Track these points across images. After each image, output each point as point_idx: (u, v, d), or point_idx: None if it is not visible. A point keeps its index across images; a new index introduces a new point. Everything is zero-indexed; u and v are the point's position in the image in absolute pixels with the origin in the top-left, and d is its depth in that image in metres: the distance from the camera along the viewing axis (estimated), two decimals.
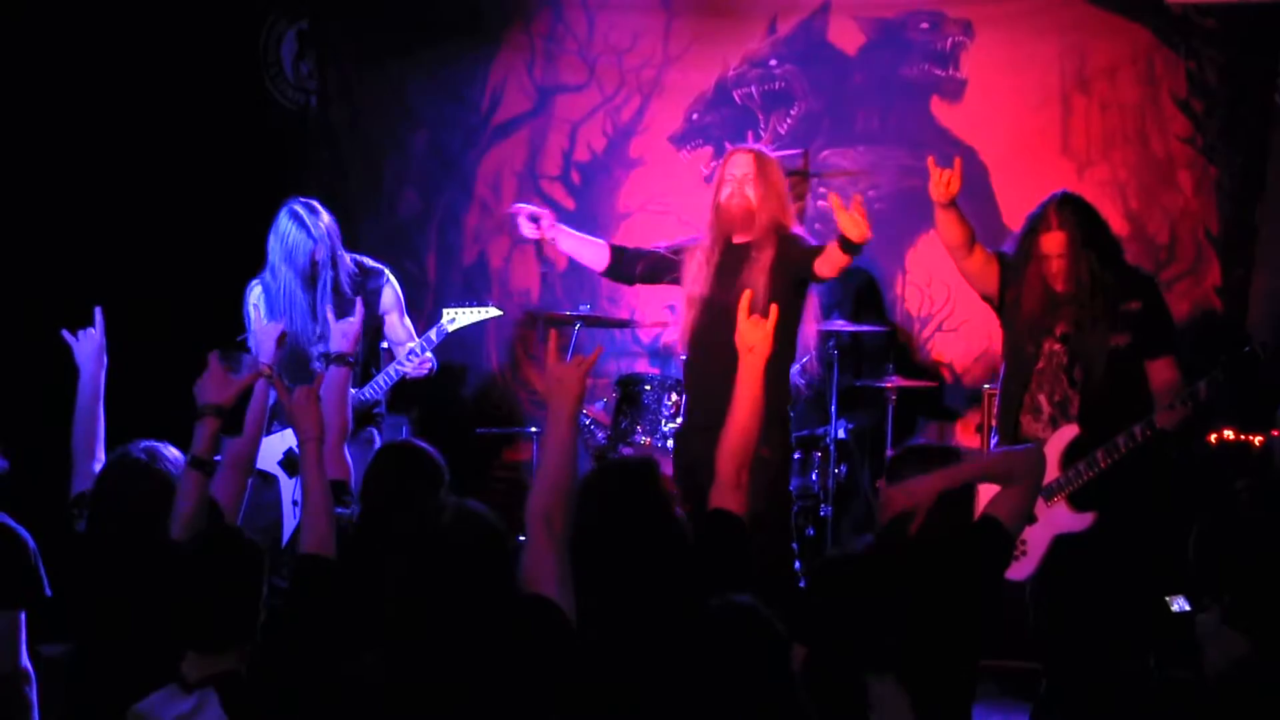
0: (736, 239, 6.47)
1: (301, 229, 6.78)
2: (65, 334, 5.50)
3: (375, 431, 6.91)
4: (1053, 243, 6.10)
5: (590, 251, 6.85)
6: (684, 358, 6.69)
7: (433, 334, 6.96)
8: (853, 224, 6.05)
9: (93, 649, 4.69)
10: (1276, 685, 4.13)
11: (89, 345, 5.49)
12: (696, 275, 6.48)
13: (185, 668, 3.99)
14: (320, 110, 9.12)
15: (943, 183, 6.05)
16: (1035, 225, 6.16)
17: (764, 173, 6.46)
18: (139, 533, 4.72)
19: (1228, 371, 5.86)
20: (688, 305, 6.50)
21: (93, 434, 5.36)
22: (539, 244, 6.77)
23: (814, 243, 6.46)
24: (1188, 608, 5.36)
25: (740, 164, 6.49)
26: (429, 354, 6.96)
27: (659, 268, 6.72)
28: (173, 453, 4.93)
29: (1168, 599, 5.49)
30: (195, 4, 8.59)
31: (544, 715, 3.72)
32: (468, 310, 7.12)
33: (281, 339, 5.78)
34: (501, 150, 9.05)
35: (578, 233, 6.92)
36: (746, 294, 5.07)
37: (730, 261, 6.43)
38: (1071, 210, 6.15)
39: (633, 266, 6.78)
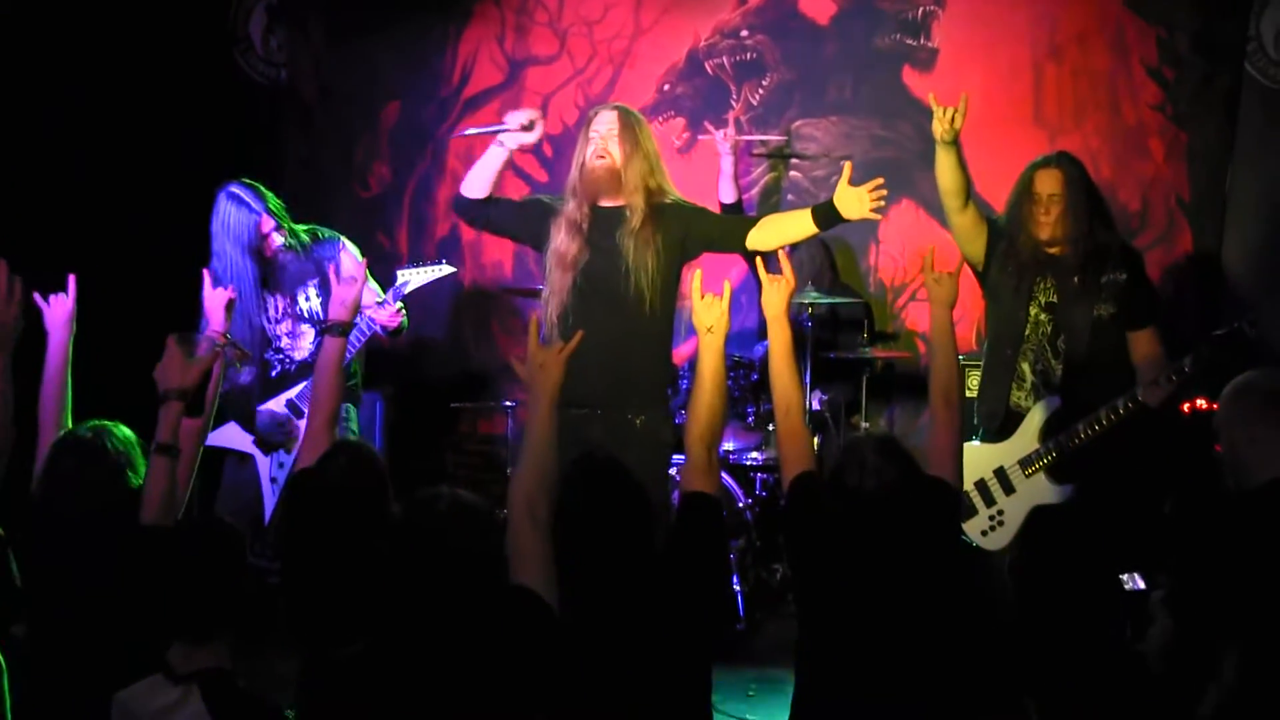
0: (605, 201, 5.97)
1: (241, 206, 6.67)
2: (37, 297, 5.49)
3: (350, 407, 6.85)
4: (1048, 180, 6.13)
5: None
6: (550, 330, 5.99)
7: (389, 296, 6.88)
8: (857, 204, 5.73)
9: (46, 632, 4.69)
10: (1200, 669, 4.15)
11: (60, 310, 5.48)
12: (567, 239, 5.95)
13: (172, 658, 3.98)
14: (291, 84, 9.09)
15: (946, 119, 5.94)
16: (1033, 165, 6.22)
17: (629, 130, 5.95)
18: (89, 515, 4.74)
19: (1215, 348, 5.88)
20: (559, 268, 5.96)
21: (61, 403, 5.34)
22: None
23: (717, 213, 6.19)
24: (1142, 586, 5.39)
25: (604, 121, 5.98)
26: (399, 304, 6.85)
27: (510, 221, 6.18)
28: (123, 432, 4.93)
29: (1123, 577, 5.51)
30: None
31: (530, 706, 3.74)
32: (421, 270, 7.03)
33: (230, 305, 5.75)
34: (472, 123, 8.98)
35: None
36: (696, 275, 5.07)
37: (602, 225, 5.95)
38: (1070, 162, 6.22)
39: (485, 208, 6.12)
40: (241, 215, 6.68)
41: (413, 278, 6.94)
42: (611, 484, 4.29)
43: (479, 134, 6.07)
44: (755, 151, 8.69)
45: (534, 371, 4.27)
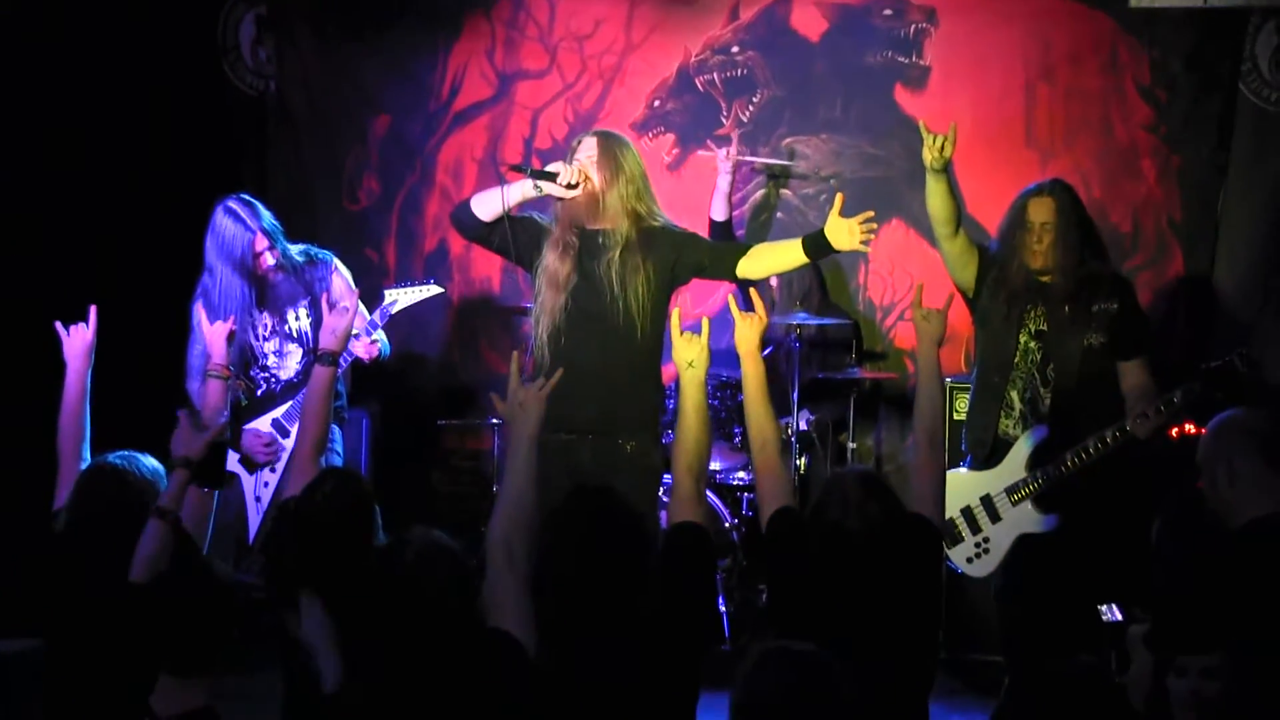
0: (591, 225, 5.93)
1: (237, 222, 6.65)
2: (58, 326, 5.48)
3: (336, 428, 6.81)
4: (1041, 209, 6.12)
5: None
6: (540, 349, 5.96)
7: (376, 317, 6.83)
8: (848, 236, 5.67)
9: (63, 657, 4.67)
10: None
11: (79, 341, 5.48)
12: (557, 259, 5.91)
13: (156, 704, 3.94)
14: (279, 96, 9.02)
15: (936, 147, 5.94)
16: (1026, 193, 6.21)
17: (610, 155, 5.91)
18: (116, 543, 4.69)
19: (1206, 382, 5.87)
20: (550, 288, 5.91)
21: (79, 433, 5.36)
22: None
23: (707, 239, 6.12)
24: (1119, 617, 5.36)
25: (585, 148, 5.95)
26: (378, 334, 6.83)
27: (507, 239, 6.00)
28: (150, 462, 4.92)
29: (1101, 608, 5.49)
30: None
31: None
32: (409, 290, 7.00)
33: (231, 336, 5.74)
34: (462, 137, 8.97)
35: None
36: (675, 313, 5.06)
37: (591, 248, 5.91)
38: (1064, 190, 6.22)
39: (489, 228, 6.00)
40: (236, 232, 6.66)
41: (400, 298, 6.91)
42: (609, 518, 4.26)
43: (530, 178, 5.94)
44: (756, 167, 8.64)
45: (514, 410, 4.27)
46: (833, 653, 3.72)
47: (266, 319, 6.81)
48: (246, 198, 6.77)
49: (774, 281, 8.05)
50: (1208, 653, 4.13)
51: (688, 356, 4.85)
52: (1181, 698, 4.11)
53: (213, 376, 5.55)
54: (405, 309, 7.00)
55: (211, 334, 5.76)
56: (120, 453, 4.95)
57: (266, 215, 6.75)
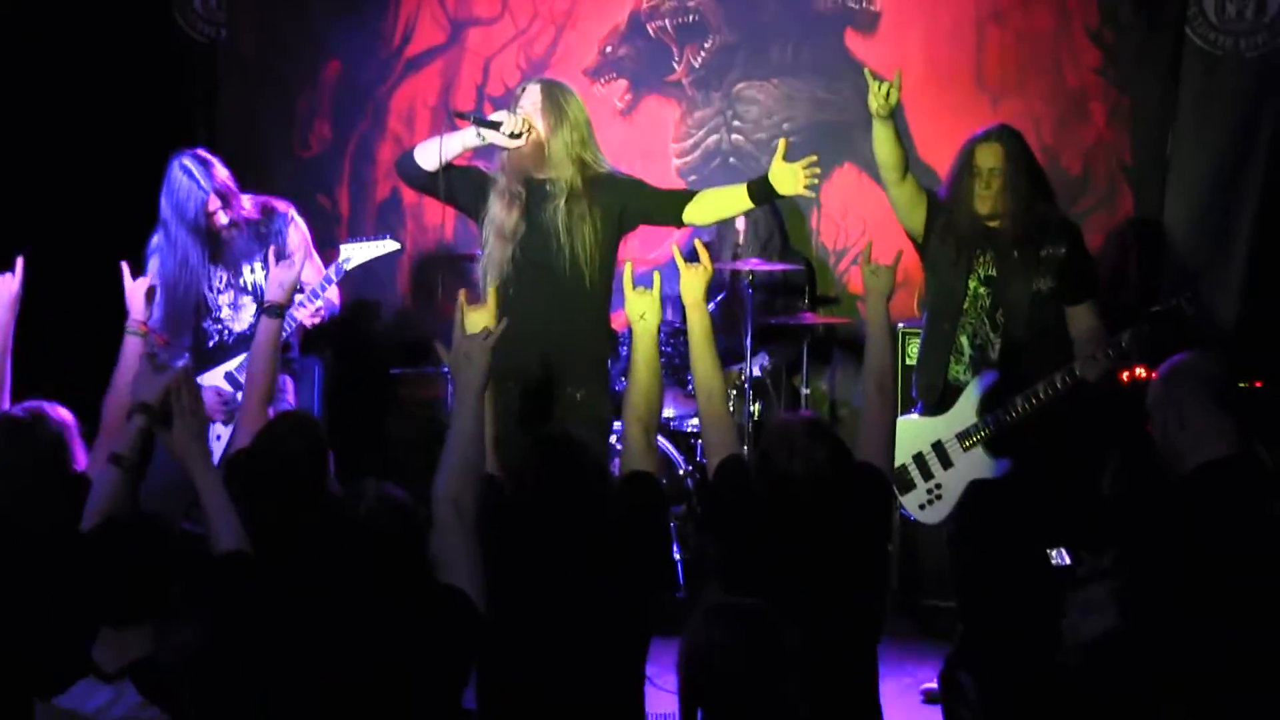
0: (537, 175, 5.93)
1: (191, 180, 6.58)
2: None
3: (288, 379, 6.81)
4: (988, 154, 6.12)
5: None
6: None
7: (331, 272, 6.79)
8: (792, 180, 5.72)
9: None
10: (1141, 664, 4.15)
11: (4, 291, 5.44)
12: (504, 211, 5.93)
13: (99, 655, 3.92)
14: (230, 43, 8.97)
15: (881, 94, 5.94)
16: (974, 139, 6.20)
17: (553, 103, 5.90)
18: (25, 500, 4.65)
19: (1153, 325, 5.91)
20: (497, 239, 5.93)
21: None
22: None
23: (653, 186, 6.15)
24: (1067, 562, 5.41)
25: (529, 96, 5.94)
26: (319, 302, 6.78)
27: (453, 189, 6.07)
28: (61, 413, 4.85)
29: (1049, 551, 5.54)
30: None
31: (454, 704, 3.75)
32: (364, 245, 6.93)
33: (150, 294, 5.71)
34: (414, 83, 8.95)
35: None
36: (628, 267, 5.10)
37: (538, 198, 5.92)
38: (1011, 136, 6.21)
39: (433, 177, 6.02)
40: (190, 190, 6.60)
41: (355, 254, 6.85)
42: (578, 467, 4.29)
43: (474, 125, 5.92)
44: None
45: (459, 360, 4.27)
46: (780, 601, 3.78)
47: (221, 273, 6.77)
48: (203, 154, 6.71)
49: (740, 225, 8.07)
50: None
51: (639, 309, 4.90)
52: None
53: (130, 334, 5.54)
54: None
55: (131, 290, 5.74)
56: (27, 403, 4.87)
57: (222, 173, 6.69)
